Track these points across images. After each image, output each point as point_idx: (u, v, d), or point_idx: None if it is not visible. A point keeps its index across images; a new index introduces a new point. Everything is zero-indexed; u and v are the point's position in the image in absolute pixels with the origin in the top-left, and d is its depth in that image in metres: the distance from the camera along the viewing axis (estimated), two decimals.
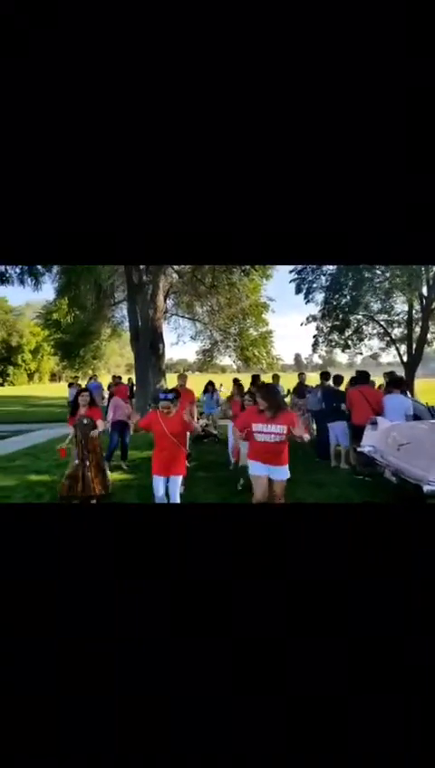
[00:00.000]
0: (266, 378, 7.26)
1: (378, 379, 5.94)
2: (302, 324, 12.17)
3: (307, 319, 11.92)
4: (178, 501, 2.93)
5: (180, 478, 3.00)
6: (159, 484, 2.93)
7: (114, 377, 8.44)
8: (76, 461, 3.65)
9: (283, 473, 2.80)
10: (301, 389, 6.32)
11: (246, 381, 5.77)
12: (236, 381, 5.43)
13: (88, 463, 3.65)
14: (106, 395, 7.33)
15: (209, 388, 7.20)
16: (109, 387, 7.88)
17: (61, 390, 18.77)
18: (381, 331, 11.80)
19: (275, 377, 6.92)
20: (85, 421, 3.63)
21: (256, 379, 6.16)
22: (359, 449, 3.96)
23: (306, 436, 2.81)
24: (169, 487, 2.93)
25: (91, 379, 10.47)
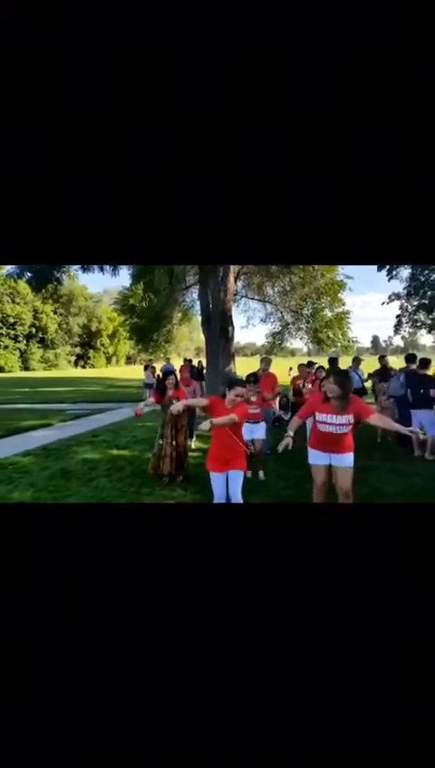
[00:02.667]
0: (346, 361, 6.84)
1: None
2: (383, 303, 11.22)
3: (389, 297, 10.94)
4: (241, 500, 2.62)
5: (242, 474, 2.65)
6: (217, 482, 2.64)
7: (185, 359, 8.72)
8: (161, 441, 3.86)
9: (346, 460, 2.62)
10: (384, 373, 5.80)
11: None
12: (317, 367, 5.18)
13: (176, 442, 3.85)
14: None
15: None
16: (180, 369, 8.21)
17: (136, 372, 20.05)
18: None
19: (356, 360, 6.40)
20: (173, 402, 3.84)
21: (332, 361, 5.82)
22: None
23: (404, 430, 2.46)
24: (229, 485, 2.63)
25: (166, 362, 10.96)
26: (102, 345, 44.67)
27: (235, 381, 2.68)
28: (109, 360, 45.96)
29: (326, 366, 5.39)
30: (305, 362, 5.91)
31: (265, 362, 4.76)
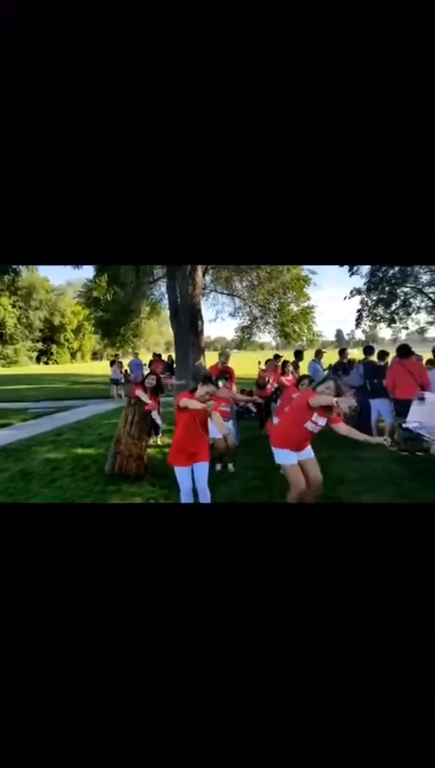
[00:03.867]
0: (310, 354, 7.03)
1: (426, 355, 5.64)
2: (345, 298, 11.62)
3: (351, 292, 11.34)
4: (208, 491, 2.66)
5: (207, 465, 2.69)
6: (183, 475, 2.65)
7: (154, 354, 8.61)
8: (128, 438, 3.79)
9: (311, 451, 2.77)
10: (344, 365, 6.05)
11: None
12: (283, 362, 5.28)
13: (144, 443, 3.81)
14: (146, 372, 7.48)
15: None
16: (149, 364, 8.10)
17: (102, 368, 19.52)
18: (430, 304, 10.99)
19: (319, 353, 6.63)
20: (137, 401, 3.80)
21: (297, 354, 5.96)
22: (404, 425, 3.78)
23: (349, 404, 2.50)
24: (196, 479, 2.65)
25: (133, 357, 10.75)
26: (66, 340, 42.99)
27: (208, 378, 2.69)
28: (73, 355, 44.37)
29: (292, 359, 5.53)
30: (272, 356, 6.03)
31: (225, 356, 4.81)
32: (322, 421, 2.59)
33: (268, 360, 5.83)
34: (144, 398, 3.77)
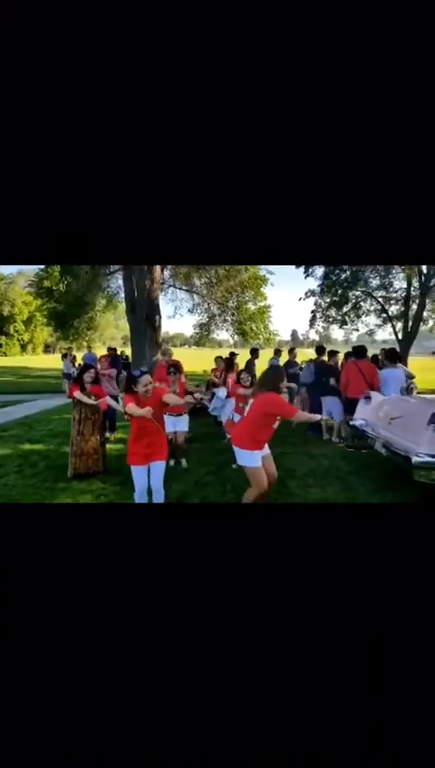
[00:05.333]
0: (268, 353, 7.23)
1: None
2: (300, 299, 12.03)
3: (306, 294, 11.77)
4: (162, 490, 2.65)
5: (164, 464, 2.66)
6: (139, 473, 2.60)
7: (109, 349, 8.36)
8: (79, 437, 3.66)
9: (266, 447, 2.80)
10: (294, 364, 6.34)
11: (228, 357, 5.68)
12: (231, 356, 5.37)
13: (97, 438, 3.69)
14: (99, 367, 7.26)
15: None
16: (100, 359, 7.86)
17: (54, 362, 18.62)
18: (379, 307, 11.71)
19: (278, 351, 6.81)
20: (92, 398, 3.65)
21: (253, 352, 6.12)
22: (351, 423, 4.01)
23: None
24: (152, 478, 2.62)
25: (88, 351, 10.37)
26: (16, 331, 40.46)
27: (136, 375, 2.57)
28: (24, 347, 41.86)
29: (246, 356, 5.66)
30: (228, 354, 6.11)
31: (167, 354, 4.83)
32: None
33: (217, 357, 5.87)
34: (83, 398, 3.60)
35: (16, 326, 40.12)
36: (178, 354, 5.04)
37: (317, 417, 2.90)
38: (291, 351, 6.48)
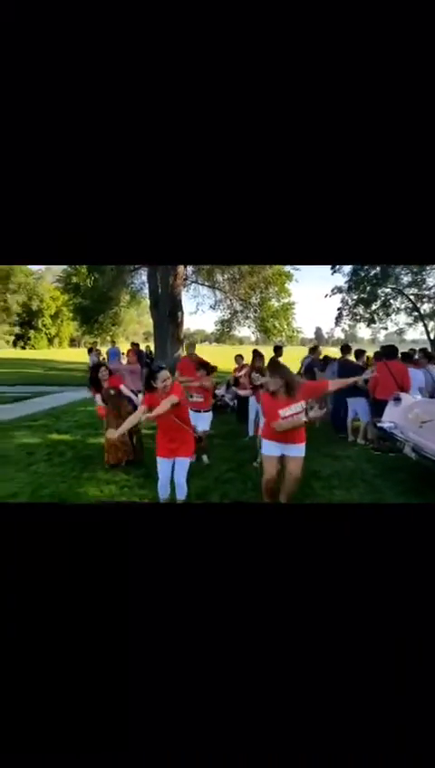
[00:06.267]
0: (290, 351, 7.07)
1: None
2: (326, 296, 11.79)
3: (332, 290, 11.52)
4: (185, 486, 2.69)
5: (188, 461, 2.69)
6: (163, 466, 2.67)
7: (132, 344, 8.49)
8: (111, 430, 3.73)
9: (298, 450, 2.73)
10: (320, 363, 6.12)
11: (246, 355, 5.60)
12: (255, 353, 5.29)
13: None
14: (124, 361, 7.37)
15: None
16: (127, 353, 7.99)
17: (79, 355, 19.07)
18: (410, 305, 11.31)
19: (314, 349, 6.34)
20: (112, 392, 3.71)
21: (277, 350, 6.00)
22: (379, 425, 3.90)
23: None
24: (175, 472, 2.66)
25: (111, 345, 10.57)
26: (44, 325, 41.69)
27: (155, 370, 2.58)
28: (51, 341, 43.09)
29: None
30: (251, 351, 6.05)
31: (192, 347, 4.94)
32: (294, 408, 2.60)
33: (237, 355, 5.81)
34: (98, 401, 3.70)
35: (44, 320, 41.35)
36: (199, 350, 5.03)
37: (351, 379, 3.11)
38: (314, 350, 6.31)
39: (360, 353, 5.15)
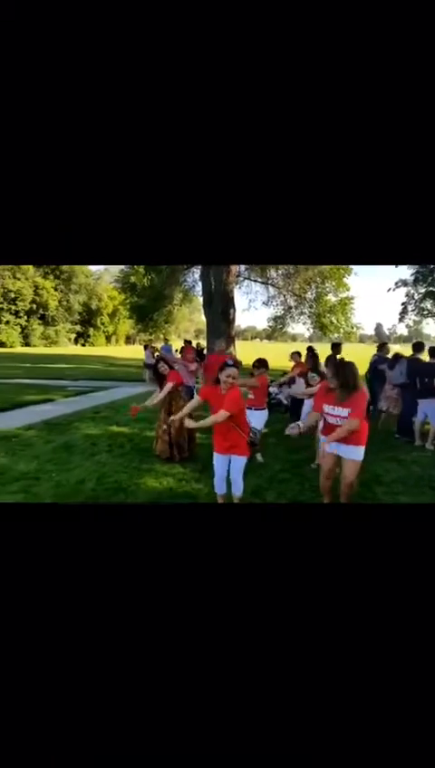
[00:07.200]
0: (347, 348, 6.71)
1: None
2: (389, 290, 11.08)
3: (396, 284, 10.80)
4: (241, 483, 2.69)
5: (244, 460, 2.67)
6: (219, 462, 2.70)
7: (185, 341, 8.66)
8: (165, 425, 3.86)
9: (353, 452, 2.60)
10: (390, 361, 5.61)
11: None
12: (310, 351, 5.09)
13: (167, 425, 3.83)
14: (178, 357, 7.53)
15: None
16: (180, 351, 8.18)
17: (134, 352, 19.95)
18: None
19: (383, 346, 5.83)
20: (171, 387, 3.80)
21: (335, 347, 5.72)
22: None
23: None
24: (232, 468, 2.68)
25: (164, 343, 10.91)
26: (102, 324, 44.26)
27: (226, 363, 2.59)
28: (108, 338, 45.63)
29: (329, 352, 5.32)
30: (306, 349, 5.85)
31: (227, 342, 4.80)
32: (338, 411, 2.50)
33: (293, 352, 5.62)
34: (156, 398, 3.78)
35: (102, 319, 43.87)
36: (249, 348, 4.95)
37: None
38: (383, 347, 5.86)
39: (434, 351, 4.69)
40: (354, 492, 2.73)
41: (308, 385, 3.80)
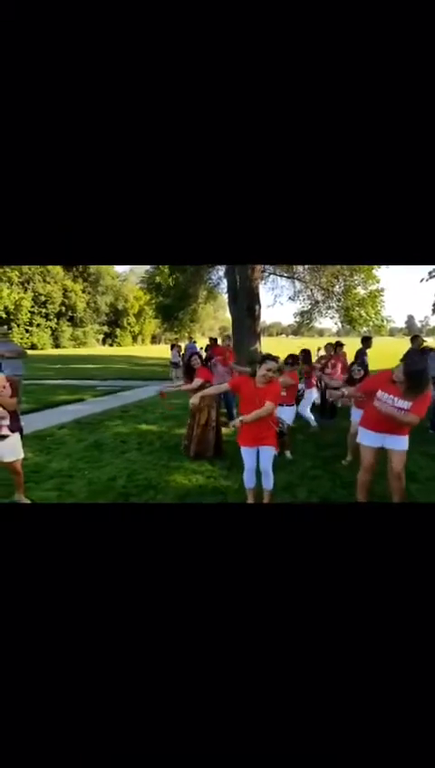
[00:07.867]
0: (376, 341, 6.49)
1: None
2: (422, 280, 10.58)
3: (430, 274, 10.29)
4: (271, 474, 2.68)
5: (273, 450, 2.67)
6: (248, 455, 2.68)
7: (211, 339, 8.67)
8: (189, 421, 3.90)
9: (401, 443, 2.53)
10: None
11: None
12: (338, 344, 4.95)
13: (197, 423, 3.86)
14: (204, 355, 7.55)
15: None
16: (206, 349, 8.19)
17: (160, 352, 20.21)
18: None
19: (416, 339, 5.38)
20: (200, 382, 3.81)
21: (365, 341, 5.55)
22: None
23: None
24: (261, 459, 2.66)
25: (189, 341, 10.98)
26: (129, 324, 45.20)
27: (266, 356, 2.58)
28: (135, 338, 46.56)
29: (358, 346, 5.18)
30: (334, 342, 5.72)
31: (229, 339, 5.23)
32: (401, 403, 2.39)
33: (328, 344, 5.49)
34: (185, 387, 3.76)
35: (129, 319, 44.79)
36: (275, 343, 4.91)
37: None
38: (415, 339, 5.62)
39: None
40: (404, 485, 2.64)
41: (351, 377, 3.70)
